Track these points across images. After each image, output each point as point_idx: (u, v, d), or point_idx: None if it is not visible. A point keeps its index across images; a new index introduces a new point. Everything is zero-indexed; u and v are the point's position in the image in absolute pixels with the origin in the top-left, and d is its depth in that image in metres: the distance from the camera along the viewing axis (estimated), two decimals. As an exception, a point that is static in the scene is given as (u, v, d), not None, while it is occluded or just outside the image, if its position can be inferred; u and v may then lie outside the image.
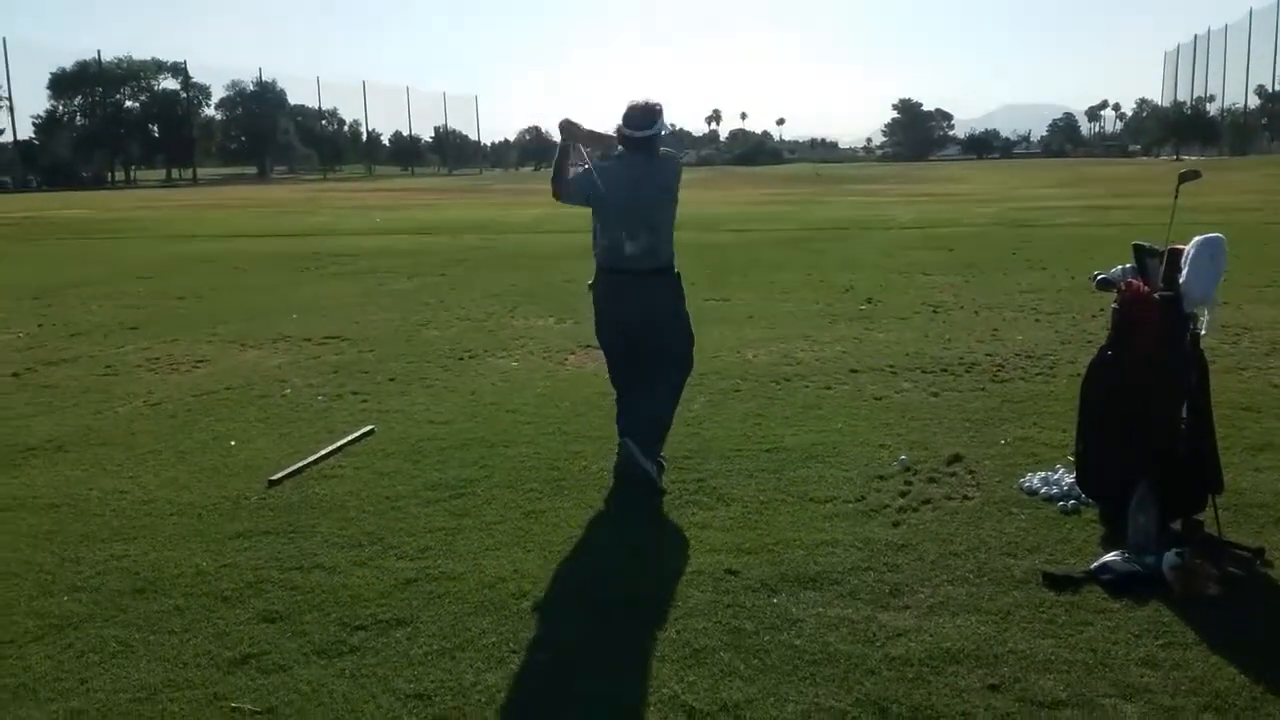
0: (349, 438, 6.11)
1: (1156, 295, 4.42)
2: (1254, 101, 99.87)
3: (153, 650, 3.60)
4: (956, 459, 5.47)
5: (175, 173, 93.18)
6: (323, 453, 5.82)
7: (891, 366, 7.77)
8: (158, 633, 3.73)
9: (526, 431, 6.22)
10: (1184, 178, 4.79)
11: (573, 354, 8.59)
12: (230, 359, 8.79)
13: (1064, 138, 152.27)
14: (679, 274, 5.25)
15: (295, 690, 3.31)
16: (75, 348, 9.48)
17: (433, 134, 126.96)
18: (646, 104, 5.08)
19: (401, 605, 3.90)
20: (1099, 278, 4.80)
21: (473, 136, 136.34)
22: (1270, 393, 6.69)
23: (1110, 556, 4.05)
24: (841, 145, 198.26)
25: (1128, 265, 4.70)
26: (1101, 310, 8.66)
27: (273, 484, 5.34)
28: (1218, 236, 4.41)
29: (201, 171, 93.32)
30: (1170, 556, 3.92)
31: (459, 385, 7.54)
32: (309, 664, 3.49)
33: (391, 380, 7.76)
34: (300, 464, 5.61)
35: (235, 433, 6.38)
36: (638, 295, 5.17)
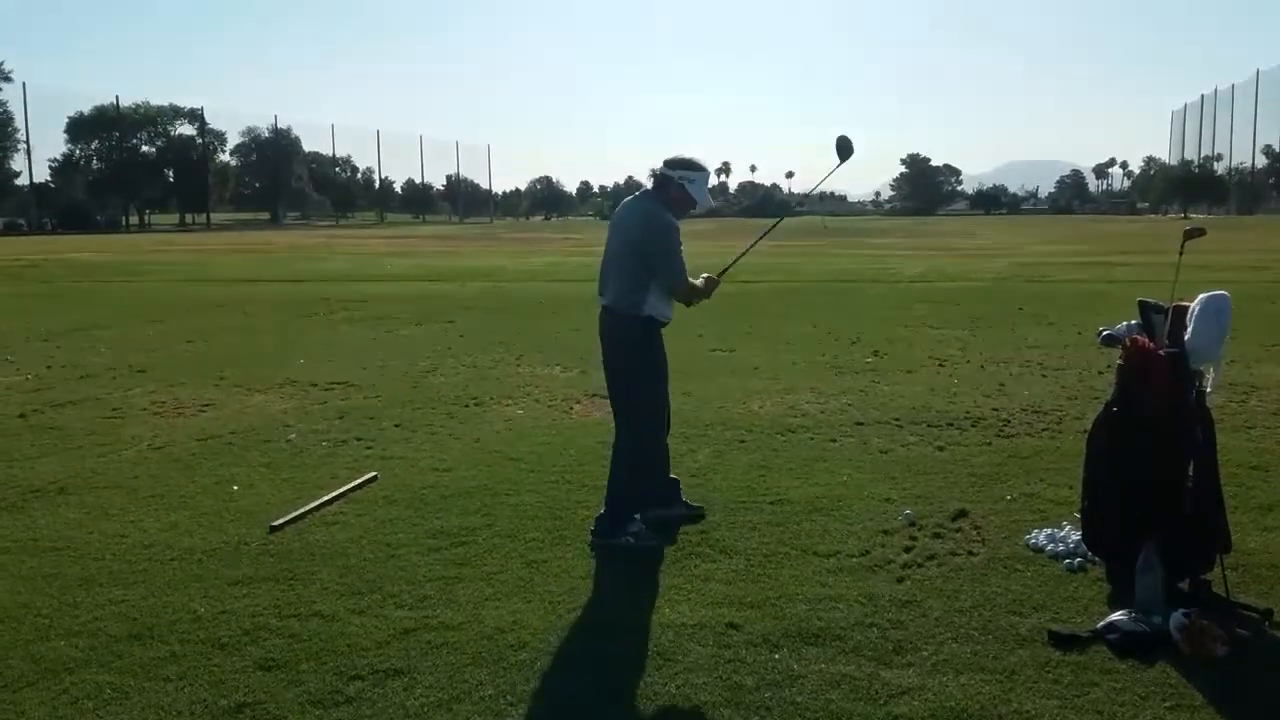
0: (351, 484, 6.09)
1: (1162, 352, 4.41)
2: (1261, 161, 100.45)
3: (148, 698, 3.57)
4: (962, 514, 5.43)
5: (189, 217, 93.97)
6: (325, 499, 5.80)
7: (897, 420, 7.75)
8: (153, 679, 3.70)
9: (530, 480, 6.19)
10: (1189, 235, 4.80)
11: (579, 403, 8.58)
12: (236, 403, 8.80)
13: (1071, 194, 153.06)
14: (645, 320, 5.04)
15: (289, 740, 3.27)
16: (82, 390, 9.50)
17: (444, 182, 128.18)
18: (673, 159, 5.10)
19: (399, 655, 3.87)
20: (1104, 334, 4.79)
21: (484, 185, 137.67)
22: (1278, 452, 6.65)
23: (1117, 616, 4.00)
24: (850, 199, 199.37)
25: (1133, 322, 4.70)
26: (1109, 366, 8.64)
27: (274, 530, 5.32)
28: (1223, 294, 4.41)
29: (215, 216, 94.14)
30: (1178, 616, 3.87)
31: (463, 432, 7.53)
32: (305, 714, 3.45)
33: (396, 426, 7.76)
34: (302, 510, 5.59)
35: (238, 477, 6.37)
36: (605, 331, 5.20)
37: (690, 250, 5.17)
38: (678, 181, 5.03)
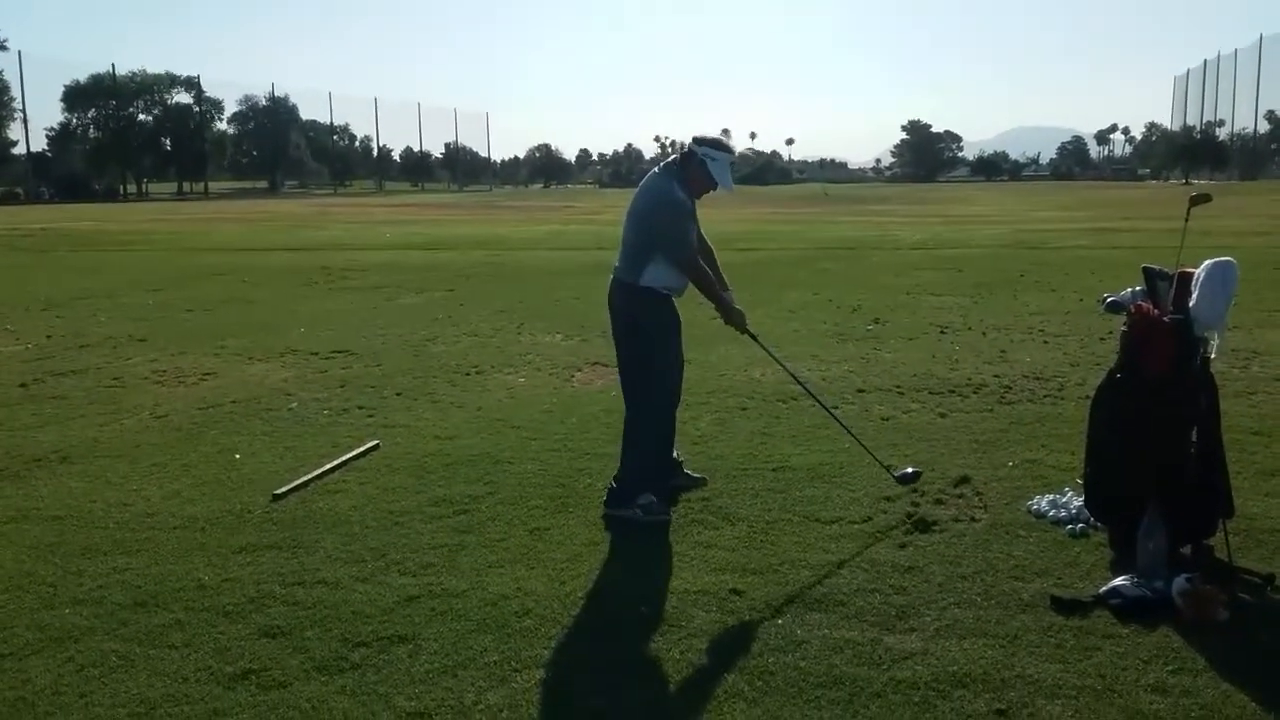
0: (354, 453, 6.09)
1: (1166, 318, 4.39)
2: (1264, 126, 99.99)
3: (153, 665, 3.58)
4: (964, 481, 5.43)
5: (187, 186, 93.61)
6: (327, 467, 5.80)
7: (899, 387, 7.74)
8: (158, 647, 3.71)
9: (532, 448, 6.20)
10: (1194, 201, 4.77)
11: (580, 370, 8.57)
12: (237, 372, 8.79)
13: (1073, 161, 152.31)
14: (643, 289, 5.01)
15: (295, 707, 3.29)
16: (83, 359, 9.49)
17: (443, 150, 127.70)
18: (702, 137, 5.05)
19: (404, 622, 3.88)
20: (1108, 300, 4.77)
21: (483, 153, 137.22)
22: (1280, 417, 6.65)
23: (1119, 581, 4.01)
24: (850, 166, 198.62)
25: (1137, 288, 4.68)
26: (1110, 333, 8.63)
27: (277, 498, 5.32)
28: (1229, 260, 4.39)
29: (213, 185, 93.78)
30: (1180, 581, 3.88)
31: (465, 401, 7.53)
32: (309, 680, 3.46)
33: (398, 395, 7.76)
34: (304, 478, 5.59)
35: (240, 446, 6.37)
36: (611, 300, 5.16)
37: (700, 216, 5.13)
38: (700, 158, 4.97)
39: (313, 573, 4.36)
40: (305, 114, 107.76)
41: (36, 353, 9.91)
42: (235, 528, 4.93)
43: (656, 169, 5.15)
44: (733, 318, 5.16)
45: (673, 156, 5.16)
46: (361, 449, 6.18)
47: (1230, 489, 4.49)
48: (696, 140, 5.04)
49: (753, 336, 5.30)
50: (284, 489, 5.42)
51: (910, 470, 5.35)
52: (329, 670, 3.53)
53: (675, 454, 5.47)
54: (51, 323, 11.88)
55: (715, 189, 5.06)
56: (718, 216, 33.61)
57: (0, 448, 6.42)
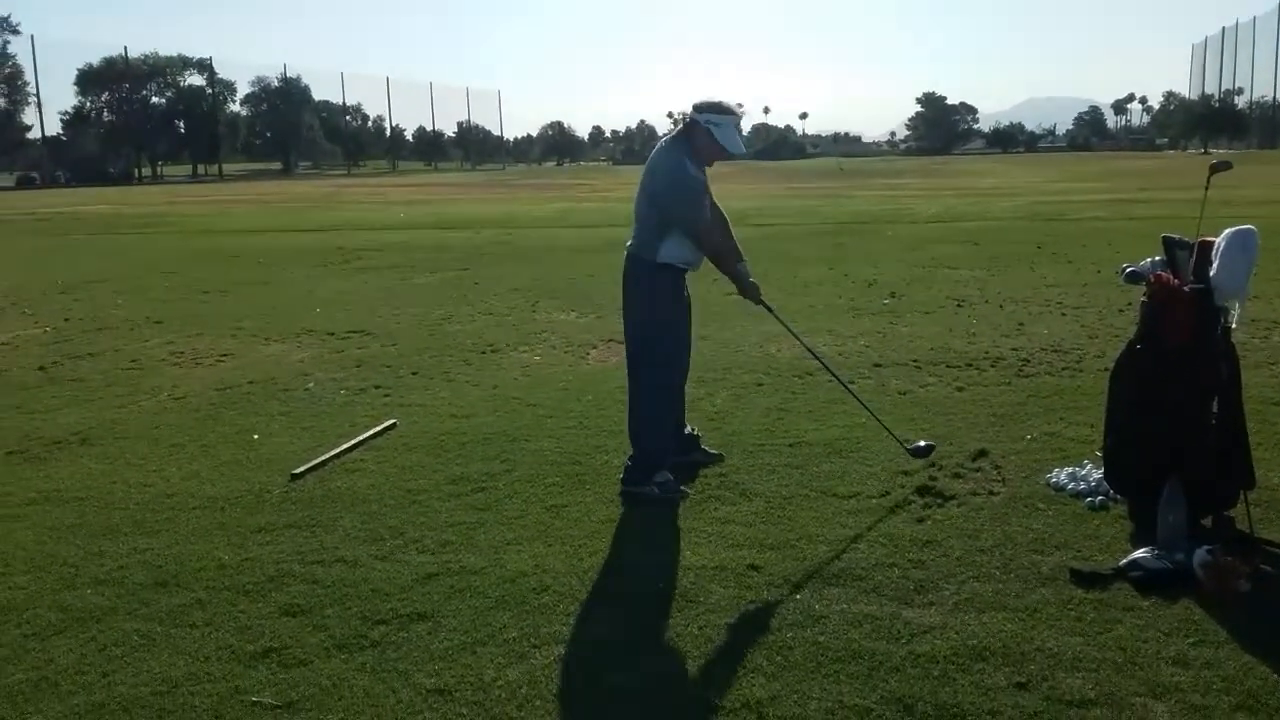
0: (371, 432, 6.11)
1: (1187, 288, 4.35)
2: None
3: (174, 644, 3.61)
4: (982, 454, 5.41)
5: (201, 168, 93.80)
6: (345, 447, 5.82)
7: (915, 361, 7.71)
8: (179, 626, 3.74)
9: (548, 426, 6.20)
10: (1215, 169, 4.72)
11: (595, 348, 8.56)
12: (254, 353, 8.82)
13: (1090, 131, 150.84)
14: (658, 265, 4.95)
15: (315, 684, 3.31)
16: (101, 342, 9.54)
17: (456, 129, 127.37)
18: (700, 103, 4.92)
19: (423, 600, 3.89)
20: (1128, 270, 4.72)
21: (495, 131, 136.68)
22: (1302, 388, 6.59)
23: (1140, 553, 3.99)
24: (865, 139, 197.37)
25: (1157, 258, 4.63)
26: (1129, 304, 8.57)
27: (295, 478, 5.35)
28: (1249, 228, 4.34)
29: (227, 167, 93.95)
30: (1201, 553, 3.85)
31: (481, 379, 7.53)
32: (329, 658, 3.48)
33: (414, 374, 7.77)
34: (322, 458, 5.61)
35: (258, 426, 6.40)
36: (625, 275, 5.09)
37: (713, 191, 5.10)
38: (704, 126, 4.83)
39: (332, 551, 4.38)
40: (318, 95, 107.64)
41: (55, 336, 9.96)
42: (254, 507, 4.96)
43: (664, 141, 5.06)
44: (748, 290, 5.13)
45: (678, 128, 5.07)
46: (379, 428, 6.19)
47: (1251, 460, 4.45)
48: (696, 108, 4.90)
49: (768, 308, 5.27)
50: (302, 468, 5.44)
51: (923, 444, 5.32)
52: (349, 648, 3.54)
53: (692, 430, 5.47)
54: (69, 306, 11.94)
55: (727, 155, 4.95)
56: (732, 191, 33.49)
57: (20, 430, 6.46)
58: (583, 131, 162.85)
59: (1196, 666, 3.27)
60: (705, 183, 4.97)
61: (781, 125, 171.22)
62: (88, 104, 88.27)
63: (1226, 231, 4.35)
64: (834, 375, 5.86)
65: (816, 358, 5.86)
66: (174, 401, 7.14)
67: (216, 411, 6.82)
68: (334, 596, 3.94)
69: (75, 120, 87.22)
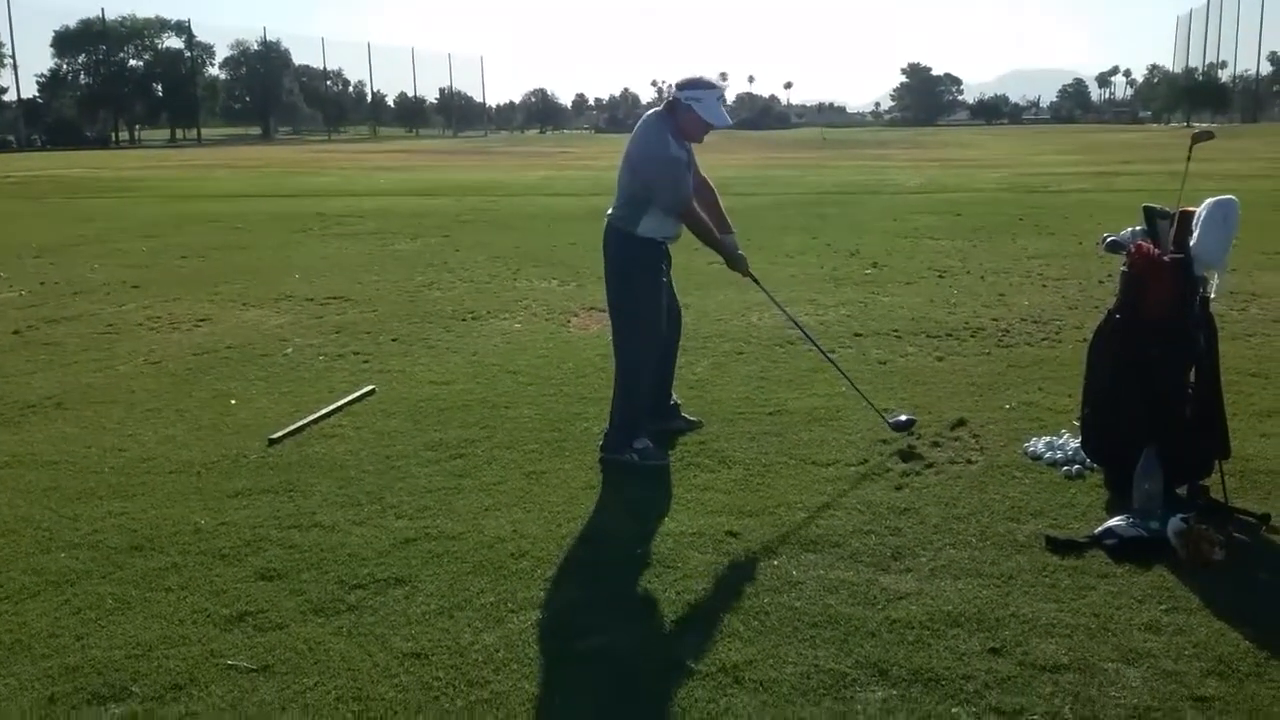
0: (350, 397, 6.08)
1: (1167, 258, 4.35)
2: (1266, 68, 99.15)
3: (149, 607, 3.59)
4: (960, 423, 5.43)
5: (179, 132, 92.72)
6: (323, 412, 5.79)
7: (896, 331, 7.72)
8: (154, 590, 3.72)
9: (528, 392, 6.18)
10: (1197, 138, 4.72)
11: (576, 315, 8.54)
12: (232, 318, 8.75)
13: (1074, 104, 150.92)
14: (637, 239, 4.94)
15: (291, 648, 3.30)
16: (77, 306, 9.44)
17: (438, 95, 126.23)
18: (682, 80, 4.92)
19: (400, 564, 3.88)
20: (1109, 240, 4.72)
21: (478, 98, 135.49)
22: (1278, 359, 6.63)
23: (1115, 521, 4.01)
24: (849, 110, 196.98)
25: (1138, 228, 4.63)
26: (1109, 276, 8.60)
27: (273, 443, 5.32)
28: (1230, 199, 4.34)
29: (206, 131, 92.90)
30: (1175, 522, 3.88)
31: (461, 346, 7.50)
32: (306, 622, 3.47)
33: (394, 340, 7.73)
34: (301, 423, 5.58)
35: (236, 391, 6.36)
36: (605, 245, 5.08)
37: (698, 161, 5.07)
38: (685, 103, 4.83)
39: (309, 516, 4.36)
40: (298, 59, 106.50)
41: (30, 299, 9.86)
42: (231, 472, 4.93)
43: (649, 116, 5.04)
44: (736, 262, 5.12)
45: (663, 105, 5.03)
46: (357, 394, 6.16)
47: (1227, 430, 4.48)
48: (679, 85, 4.91)
49: (755, 280, 5.27)
50: (280, 433, 5.41)
51: (904, 417, 5.33)
52: (325, 612, 3.53)
53: (673, 398, 5.47)
54: (45, 270, 11.81)
55: (712, 128, 4.95)
56: (716, 161, 33.34)
57: (-6, 394, 6.40)
58: (566, 99, 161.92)
59: (1169, 633, 3.30)
60: (688, 160, 4.95)
61: (766, 95, 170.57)
62: (64, 67, 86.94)
63: (1207, 201, 4.35)
64: (814, 344, 5.87)
65: (798, 327, 5.86)
66: (150, 366, 7.08)
67: (194, 376, 6.77)
68: (310, 561, 3.93)
69: (51, 83, 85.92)
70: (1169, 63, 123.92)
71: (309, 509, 4.44)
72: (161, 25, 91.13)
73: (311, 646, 3.31)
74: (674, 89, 4.96)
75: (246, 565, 3.91)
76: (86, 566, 3.91)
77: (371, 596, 3.64)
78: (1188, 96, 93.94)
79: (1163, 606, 3.47)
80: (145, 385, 6.56)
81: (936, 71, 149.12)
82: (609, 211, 5.05)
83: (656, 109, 5.05)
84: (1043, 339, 7.37)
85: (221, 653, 3.28)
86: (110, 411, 5.98)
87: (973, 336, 7.49)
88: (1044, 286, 9.54)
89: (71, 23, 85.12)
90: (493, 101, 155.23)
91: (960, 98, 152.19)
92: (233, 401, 6.14)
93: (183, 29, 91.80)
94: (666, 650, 3.29)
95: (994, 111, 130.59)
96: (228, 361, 7.17)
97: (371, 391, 6.25)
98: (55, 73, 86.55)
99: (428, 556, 3.95)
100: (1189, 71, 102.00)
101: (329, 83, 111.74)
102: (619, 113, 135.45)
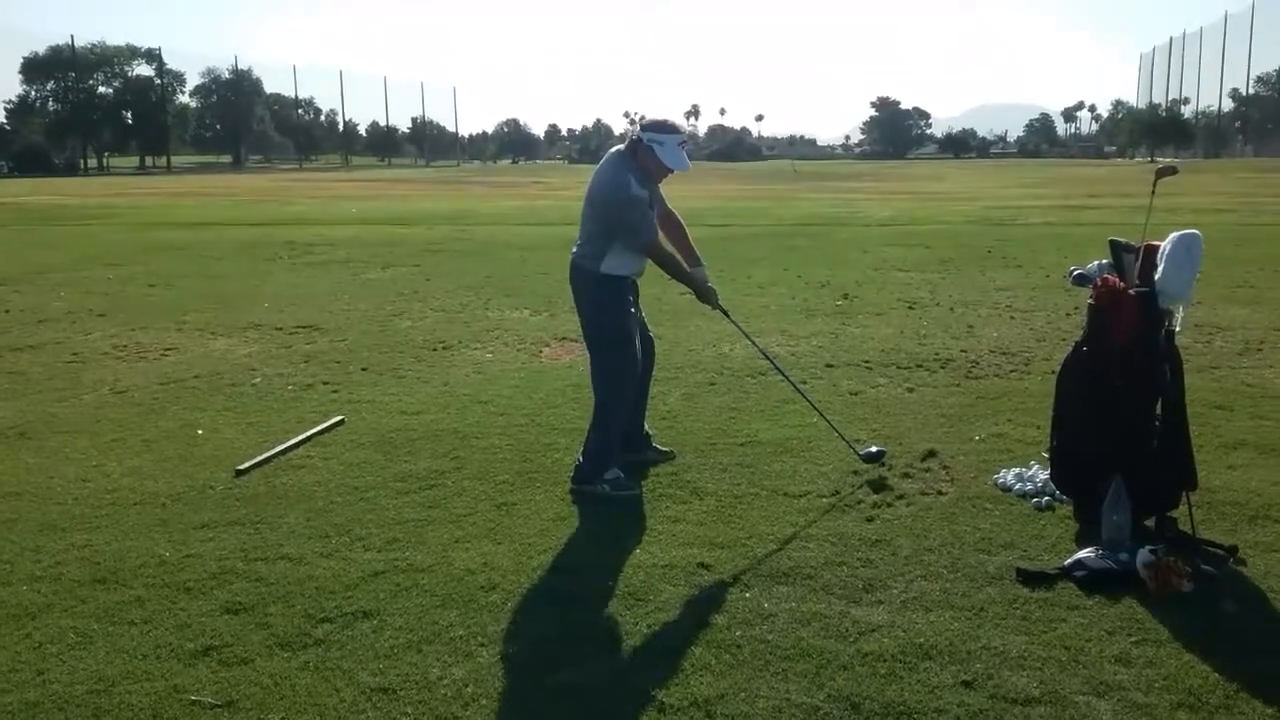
0: (318, 428, 6.02)
1: (1132, 291, 4.40)
2: (1228, 104, 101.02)
3: (112, 641, 3.52)
4: (931, 455, 5.45)
5: (149, 160, 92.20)
6: (291, 442, 5.73)
7: (867, 362, 7.75)
8: (117, 624, 3.65)
9: (499, 423, 6.15)
10: (1161, 173, 4.79)
11: (548, 346, 8.52)
12: (199, 347, 8.67)
13: (1040, 138, 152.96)
14: (602, 277, 4.95)
15: (256, 683, 3.24)
16: (41, 334, 9.33)
17: (410, 124, 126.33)
18: (646, 122, 4.98)
19: (368, 597, 3.84)
20: (1075, 273, 4.78)
21: (450, 128, 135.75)
22: (1243, 391, 6.71)
23: (1084, 553, 4.03)
24: (820, 142, 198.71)
25: (1104, 261, 4.69)
26: (1076, 308, 8.69)
27: (240, 474, 5.26)
28: (1194, 233, 4.40)
29: (176, 159, 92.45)
30: (1144, 553, 3.90)
31: (432, 376, 7.46)
32: (272, 656, 3.41)
33: (363, 370, 7.68)
34: (268, 454, 5.52)
35: (203, 422, 6.29)
36: (574, 281, 5.09)
37: (665, 193, 5.10)
38: (647, 144, 4.87)
39: (276, 548, 4.30)
40: (269, 87, 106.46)
41: (-6, 328, 9.72)
42: (197, 504, 4.86)
43: (612, 154, 5.06)
44: (705, 295, 5.14)
45: (624, 145, 5.06)
46: (326, 424, 6.11)
47: (1194, 462, 4.52)
48: (643, 127, 4.95)
49: (724, 312, 5.29)
50: (247, 464, 5.35)
51: (875, 449, 5.35)
52: (292, 646, 3.48)
53: (645, 429, 5.45)
54: (9, 298, 11.66)
55: (670, 172, 4.98)
56: (686, 192, 33.51)
57: (-44, 424, 6.29)
58: (539, 129, 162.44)
59: (1139, 665, 3.31)
60: (651, 197, 4.98)
61: (738, 126, 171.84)
62: (32, 93, 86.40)
63: (1172, 236, 4.41)
64: (785, 376, 5.88)
65: (769, 359, 5.87)
66: (116, 396, 6.99)
67: (160, 406, 6.69)
68: (277, 594, 3.87)
69: (20, 110, 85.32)
70: (1133, 99, 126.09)
71: (276, 541, 4.39)
72: (132, 53, 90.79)
73: (277, 681, 3.26)
74: (638, 129, 4.99)
75: (212, 598, 3.85)
76: (48, 600, 3.84)
77: (339, 630, 3.59)
78: (1152, 132, 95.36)
79: (1133, 639, 3.48)
80: (110, 415, 6.47)
81: (905, 105, 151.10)
82: (573, 250, 5.06)
83: (619, 148, 5.08)
84: (1011, 370, 7.43)
85: (186, 688, 3.22)
86: (75, 441, 5.89)
87: (942, 368, 7.53)
88: (1012, 318, 9.62)
89: (41, 49, 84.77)
90: (465, 131, 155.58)
91: (929, 131, 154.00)
92: (199, 432, 6.07)
93: (153, 57, 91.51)
94: (638, 684, 3.26)
95: (962, 145, 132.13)
96: (195, 391, 7.09)
97: (341, 422, 6.20)
98: (24, 99, 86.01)
99: (396, 589, 3.91)
100: (1153, 107, 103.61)
101: (300, 111, 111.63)
102: (591, 144, 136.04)
